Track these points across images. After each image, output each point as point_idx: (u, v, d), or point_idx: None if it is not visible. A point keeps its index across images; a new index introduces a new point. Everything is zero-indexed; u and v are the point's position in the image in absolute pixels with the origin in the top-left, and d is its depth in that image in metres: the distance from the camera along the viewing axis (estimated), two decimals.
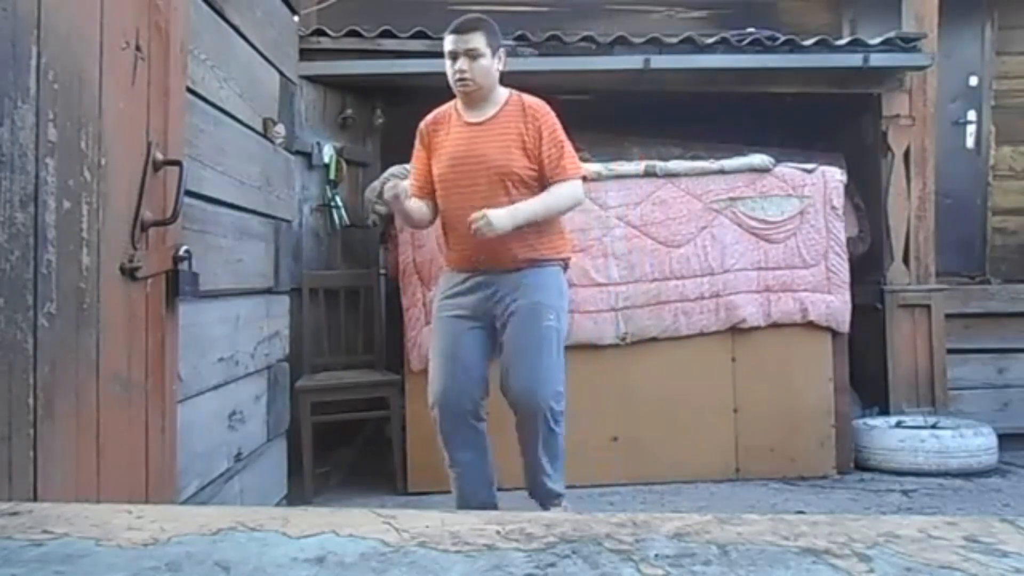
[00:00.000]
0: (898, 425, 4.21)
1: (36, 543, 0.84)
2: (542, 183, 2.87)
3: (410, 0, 5.26)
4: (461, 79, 2.84)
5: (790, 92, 4.58)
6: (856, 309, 4.01)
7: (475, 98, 2.89)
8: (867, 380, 4.45)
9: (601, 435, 3.77)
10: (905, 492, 3.69)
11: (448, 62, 2.87)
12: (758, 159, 3.99)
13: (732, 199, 3.93)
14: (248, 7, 2.54)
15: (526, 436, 2.88)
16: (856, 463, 4.04)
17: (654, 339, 3.85)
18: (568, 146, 2.90)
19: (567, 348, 2.97)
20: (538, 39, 4.35)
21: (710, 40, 4.42)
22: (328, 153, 4.37)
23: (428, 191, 2.97)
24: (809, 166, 4.04)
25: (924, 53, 4.49)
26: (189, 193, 1.90)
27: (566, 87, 4.27)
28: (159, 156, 1.70)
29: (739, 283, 3.89)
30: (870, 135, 4.74)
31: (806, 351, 3.94)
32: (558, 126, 2.90)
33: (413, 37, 4.33)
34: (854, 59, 4.39)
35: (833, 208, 3.98)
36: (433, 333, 2.98)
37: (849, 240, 4.14)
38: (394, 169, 3.79)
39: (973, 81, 5.41)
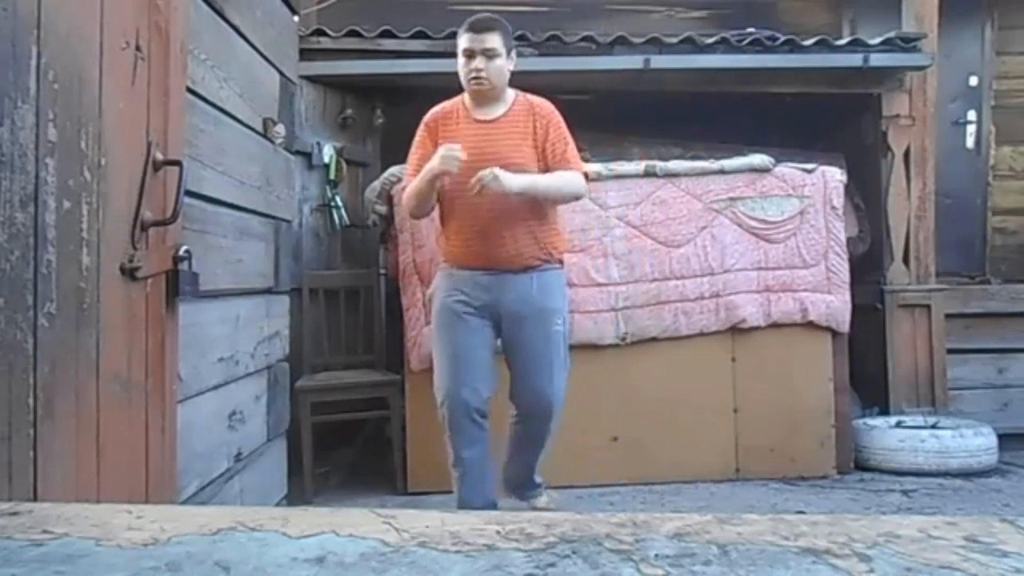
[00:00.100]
0: (898, 425, 4.21)
1: (36, 543, 0.84)
2: None
3: (410, 0, 5.26)
4: (476, 78, 2.86)
5: (790, 92, 4.57)
6: (856, 309, 4.01)
7: (488, 96, 2.92)
8: (867, 380, 4.44)
9: (601, 435, 3.77)
10: (905, 492, 3.69)
11: (462, 59, 2.89)
12: (758, 159, 3.98)
13: (732, 199, 3.92)
14: (248, 7, 2.54)
15: (531, 437, 2.94)
16: (856, 463, 4.04)
17: (654, 339, 3.85)
18: (572, 145, 2.96)
19: None
20: (538, 39, 4.34)
21: (710, 40, 4.41)
22: (328, 153, 4.37)
23: None
24: (809, 166, 4.04)
25: (924, 53, 4.49)
26: (189, 193, 1.90)
27: (566, 87, 4.26)
28: (159, 156, 1.70)
29: (739, 283, 3.89)
30: (870, 135, 4.73)
31: (806, 351, 3.94)
32: (564, 126, 2.96)
33: (413, 37, 4.33)
34: (854, 59, 4.39)
35: (833, 208, 3.98)
36: (436, 331, 2.98)
37: (849, 240, 4.14)
38: (394, 169, 3.79)
39: (973, 81, 5.41)
